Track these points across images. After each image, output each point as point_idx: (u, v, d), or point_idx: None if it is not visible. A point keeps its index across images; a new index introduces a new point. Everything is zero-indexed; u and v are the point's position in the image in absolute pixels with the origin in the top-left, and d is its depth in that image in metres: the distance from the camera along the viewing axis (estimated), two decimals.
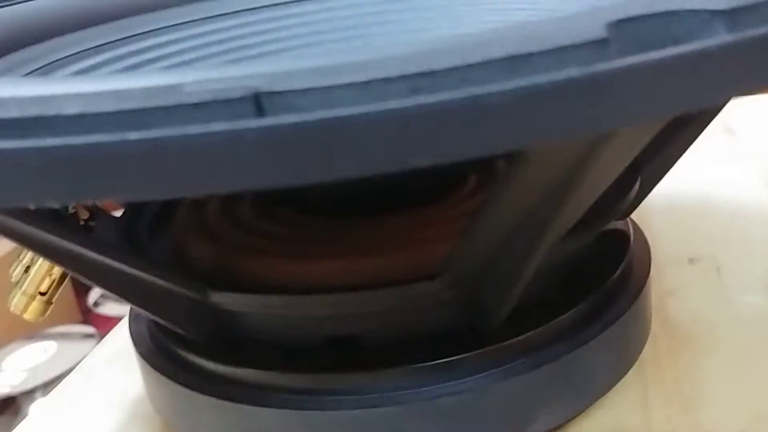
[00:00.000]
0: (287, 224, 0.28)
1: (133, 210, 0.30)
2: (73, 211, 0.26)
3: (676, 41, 0.13)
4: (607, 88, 0.12)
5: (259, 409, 0.24)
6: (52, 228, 0.21)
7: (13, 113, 0.12)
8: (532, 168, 0.16)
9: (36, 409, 0.30)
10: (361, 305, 0.23)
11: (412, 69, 0.12)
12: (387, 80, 0.12)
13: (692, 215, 0.41)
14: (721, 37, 0.13)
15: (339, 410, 0.23)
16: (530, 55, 0.12)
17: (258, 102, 0.12)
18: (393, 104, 0.12)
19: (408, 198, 0.26)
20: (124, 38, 0.29)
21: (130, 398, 0.32)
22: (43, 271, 0.26)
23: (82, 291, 1.41)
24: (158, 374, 0.26)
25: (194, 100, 0.12)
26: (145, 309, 0.24)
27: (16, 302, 0.26)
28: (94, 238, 0.24)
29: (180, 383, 0.25)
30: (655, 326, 0.31)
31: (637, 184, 0.27)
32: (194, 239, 0.28)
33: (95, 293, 1.42)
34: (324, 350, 0.24)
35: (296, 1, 0.34)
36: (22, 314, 0.26)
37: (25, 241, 0.21)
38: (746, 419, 0.26)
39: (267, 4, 0.34)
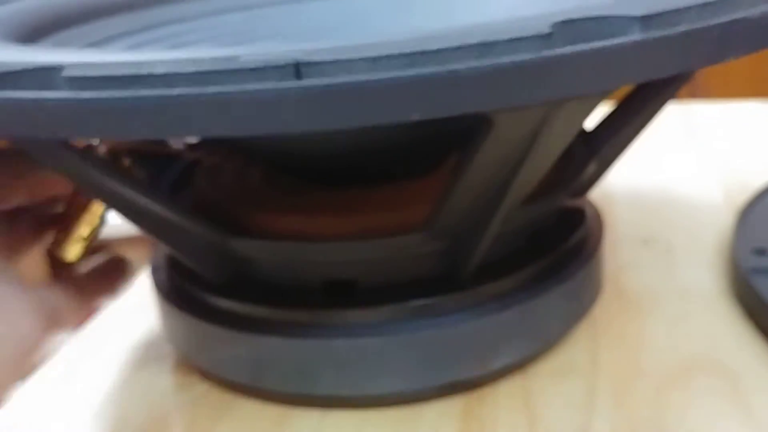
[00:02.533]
0: (295, 191, 0.32)
1: (154, 173, 0.35)
2: None
3: (604, 37, 0.17)
4: (550, 68, 0.17)
5: (267, 337, 0.28)
6: (107, 170, 0.25)
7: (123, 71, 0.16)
8: (497, 132, 0.21)
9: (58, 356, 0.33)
10: (356, 253, 0.27)
11: (409, 49, 0.16)
12: (391, 56, 0.16)
13: (650, 203, 0.46)
14: (636, 35, 0.17)
15: (334, 339, 0.27)
16: (495, 42, 0.17)
17: (297, 69, 0.16)
18: (395, 73, 0.16)
19: (398, 172, 0.31)
20: (156, 24, 0.33)
21: (143, 343, 0.36)
22: (85, 221, 0.30)
23: None
24: (179, 312, 0.30)
25: (251, 66, 0.16)
26: (173, 248, 0.29)
27: (69, 247, 0.30)
28: (138, 182, 0.28)
29: (199, 318, 0.30)
30: (608, 293, 0.36)
31: (593, 164, 0.31)
32: (212, 197, 0.32)
33: None
34: (323, 291, 0.29)
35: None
36: (64, 256, 0.31)
37: (82, 182, 0.25)
38: (680, 361, 0.31)
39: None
